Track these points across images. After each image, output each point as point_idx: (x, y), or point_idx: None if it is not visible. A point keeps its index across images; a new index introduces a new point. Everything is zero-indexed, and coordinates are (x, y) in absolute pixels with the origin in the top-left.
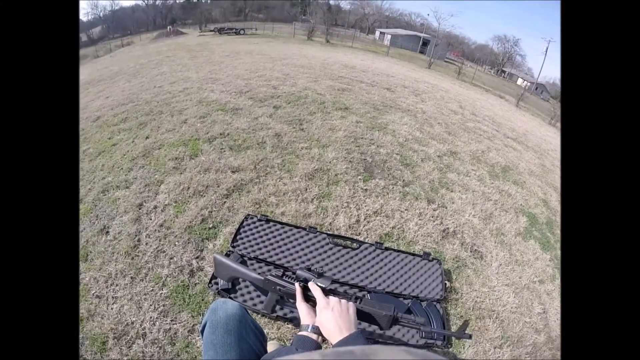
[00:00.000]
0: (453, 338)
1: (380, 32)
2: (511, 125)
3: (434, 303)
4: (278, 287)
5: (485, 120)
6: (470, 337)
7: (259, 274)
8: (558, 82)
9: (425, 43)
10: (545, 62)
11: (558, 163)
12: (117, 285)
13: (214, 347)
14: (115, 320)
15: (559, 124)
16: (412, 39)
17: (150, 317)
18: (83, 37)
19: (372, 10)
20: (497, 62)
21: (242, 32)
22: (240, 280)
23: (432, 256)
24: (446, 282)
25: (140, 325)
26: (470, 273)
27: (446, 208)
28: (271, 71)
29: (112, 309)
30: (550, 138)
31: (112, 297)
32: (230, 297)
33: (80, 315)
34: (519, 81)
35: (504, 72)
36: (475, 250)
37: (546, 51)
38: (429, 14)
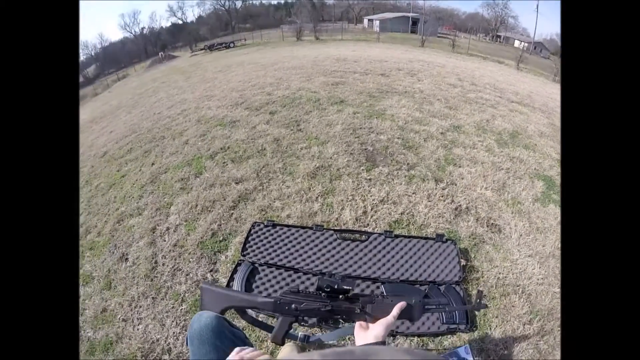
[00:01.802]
0: (477, 320)
1: (368, 20)
2: (514, 89)
3: (453, 286)
4: (301, 306)
5: (486, 89)
6: (486, 306)
7: (265, 296)
8: (555, 37)
9: (415, 22)
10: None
11: None
12: (140, 307)
13: (194, 358)
14: (142, 340)
15: None
16: (401, 20)
17: (174, 333)
18: (80, 78)
19: None
20: (490, 28)
21: (232, 45)
22: (254, 286)
23: (446, 237)
24: (462, 261)
25: (165, 342)
26: (489, 249)
27: (456, 185)
28: (264, 78)
29: (138, 329)
30: (556, 95)
31: (137, 319)
32: None
33: (110, 338)
34: (516, 43)
35: (499, 37)
36: (492, 224)
37: (537, 8)
38: None
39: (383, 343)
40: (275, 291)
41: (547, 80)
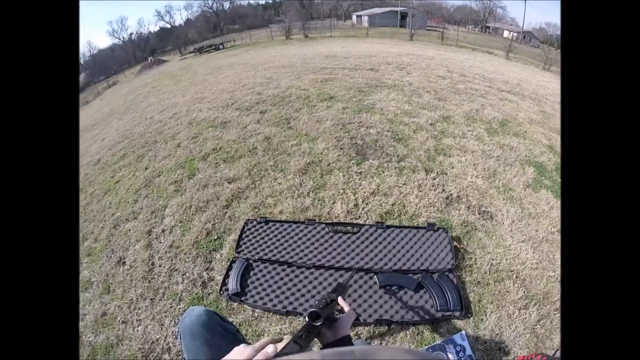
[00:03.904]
0: (472, 307)
1: (357, 16)
2: (504, 79)
3: (446, 273)
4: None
5: (475, 79)
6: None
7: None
8: (545, 26)
9: (404, 16)
10: (527, 9)
11: (559, 107)
12: (139, 308)
13: (186, 353)
14: (142, 340)
15: (553, 68)
16: (390, 15)
17: (172, 332)
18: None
19: None
20: (479, 19)
21: (221, 47)
22: (249, 282)
23: (438, 226)
24: (456, 245)
25: (165, 341)
26: (481, 236)
27: (446, 174)
28: (254, 78)
29: (137, 330)
30: (546, 83)
31: (137, 320)
32: (241, 301)
33: (110, 341)
34: (505, 33)
35: (488, 28)
36: (484, 211)
37: None
38: None
39: (349, 336)
40: (270, 286)
41: (536, 68)
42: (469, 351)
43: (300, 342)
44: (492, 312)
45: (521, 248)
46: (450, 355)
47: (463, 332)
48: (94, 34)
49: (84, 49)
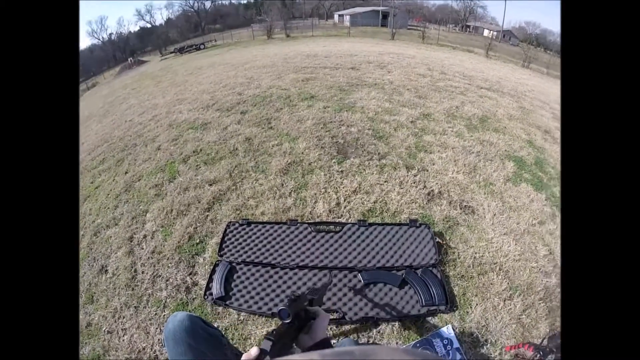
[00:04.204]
0: (457, 300)
1: (339, 15)
2: (483, 76)
3: (430, 268)
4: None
5: (455, 77)
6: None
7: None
8: (524, 25)
9: (385, 15)
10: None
11: (538, 103)
12: (123, 317)
13: (170, 359)
14: (128, 350)
15: (532, 65)
16: (371, 14)
17: (159, 340)
18: None
19: None
20: (459, 18)
21: (202, 46)
22: (233, 285)
23: (420, 222)
24: (439, 240)
25: (151, 349)
26: (464, 230)
27: (427, 171)
28: (234, 78)
29: (123, 340)
30: (525, 80)
31: (122, 330)
32: (226, 305)
33: (97, 352)
34: (485, 32)
35: (468, 27)
36: (465, 206)
37: None
38: None
39: (327, 339)
40: (254, 288)
41: (516, 66)
42: (456, 344)
43: (271, 337)
44: (477, 304)
45: (503, 241)
46: (437, 349)
47: (449, 325)
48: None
49: None
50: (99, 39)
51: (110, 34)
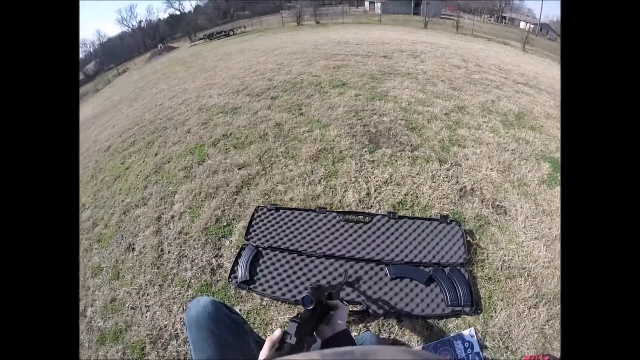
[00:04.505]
0: (483, 303)
1: (370, 2)
2: (520, 71)
3: (458, 268)
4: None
5: (491, 70)
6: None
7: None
8: None
9: (418, 3)
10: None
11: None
12: (147, 294)
13: (192, 344)
14: (150, 327)
15: None
16: (403, 2)
17: (180, 319)
18: (80, 75)
19: None
20: (495, 9)
21: (231, 33)
22: (258, 269)
23: (451, 218)
24: (469, 239)
25: (173, 327)
26: (494, 231)
27: (460, 166)
28: (265, 64)
29: (146, 317)
30: None
31: (145, 306)
32: (250, 289)
33: (119, 327)
34: (522, 24)
35: (504, 18)
36: (498, 205)
37: None
38: None
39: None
40: (279, 274)
41: (553, 62)
42: (476, 348)
43: (297, 319)
44: (502, 309)
45: (534, 245)
46: (457, 351)
47: (472, 328)
48: (103, 22)
49: (93, 37)
50: (129, 27)
51: (140, 22)
